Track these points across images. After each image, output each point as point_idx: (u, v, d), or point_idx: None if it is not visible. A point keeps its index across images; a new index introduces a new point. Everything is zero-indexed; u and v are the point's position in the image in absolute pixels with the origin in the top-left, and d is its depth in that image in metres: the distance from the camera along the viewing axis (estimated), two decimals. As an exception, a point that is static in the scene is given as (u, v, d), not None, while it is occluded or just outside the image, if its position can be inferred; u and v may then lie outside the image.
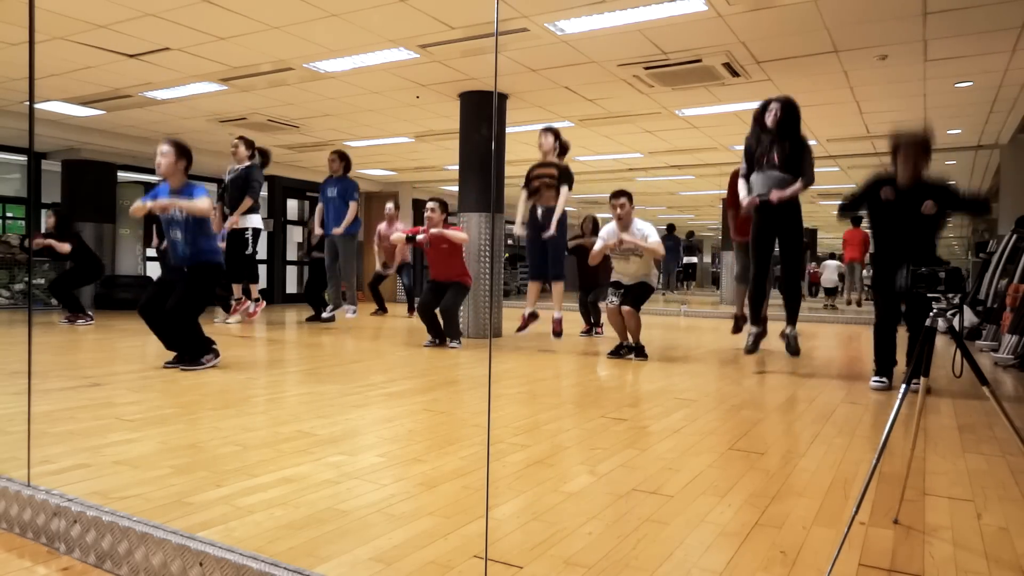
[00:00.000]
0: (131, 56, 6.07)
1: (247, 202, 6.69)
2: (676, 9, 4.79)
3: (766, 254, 4.65)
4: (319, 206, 7.46)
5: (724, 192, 6.21)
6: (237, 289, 7.06)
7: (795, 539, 1.79)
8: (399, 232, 6.90)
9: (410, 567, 1.58)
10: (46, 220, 7.46)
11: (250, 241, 6.63)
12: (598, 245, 5.46)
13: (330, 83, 6.84)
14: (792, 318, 4.65)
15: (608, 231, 5.42)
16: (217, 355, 4.60)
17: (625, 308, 5.31)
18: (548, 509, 1.98)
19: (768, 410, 3.52)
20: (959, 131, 8.58)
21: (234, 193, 6.68)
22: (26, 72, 6.64)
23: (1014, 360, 5.24)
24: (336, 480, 2.20)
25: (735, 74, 6.27)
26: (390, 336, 6.97)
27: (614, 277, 5.57)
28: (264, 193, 12.10)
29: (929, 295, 1.79)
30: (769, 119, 4.56)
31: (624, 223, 5.32)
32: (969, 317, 7.51)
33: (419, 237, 5.96)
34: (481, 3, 4.80)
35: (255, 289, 6.67)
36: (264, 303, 6.76)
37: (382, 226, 8.71)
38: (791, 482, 2.28)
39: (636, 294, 5.38)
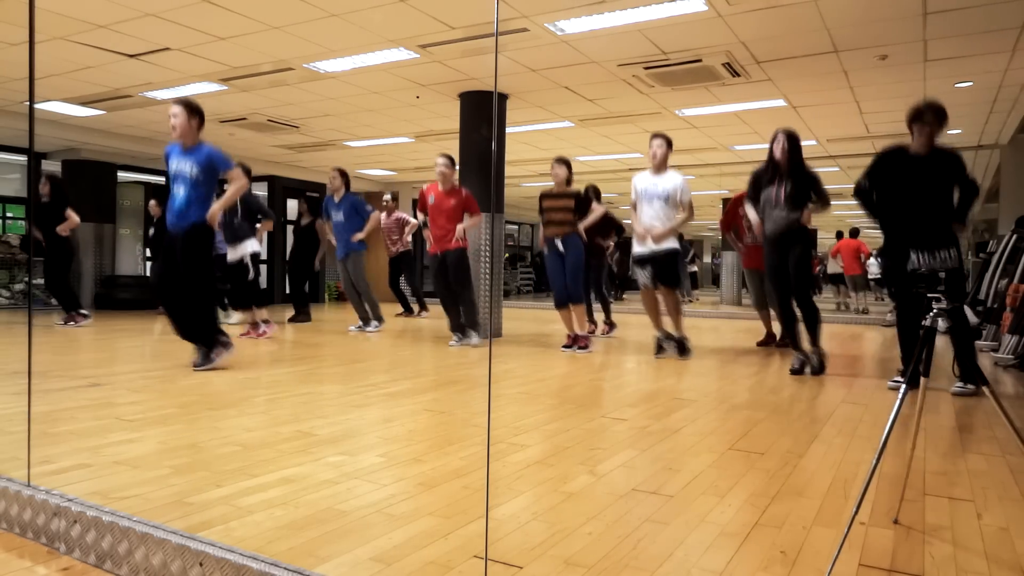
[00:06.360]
0: (131, 56, 6.07)
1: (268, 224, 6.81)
2: (676, 9, 4.80)
3: (784, 286, 4.68)
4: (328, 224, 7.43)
5: (724, 192, 6.21)
6: (244, 315, 6.87)
7: (795, 539, 1.79)
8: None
9: (410, 567, 1.58)
10: (40, 187, 7.15)
11: (250, 267, 6.55)
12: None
13: (330, 83, 6.84)
14: (814, 338, 4.66)
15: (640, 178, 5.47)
16: (228, 346, 4.54)
17: (662, 288, 5.27)
18: (548, 509, 1.98)
19: (768, 410, 3.51)
20: (959, 131, 8.58)
21: (228, 218, 6.52)
22: (26, 72, 6.64)
23: (1014, 360, 5.24)
24: (336, 480, 2.20)
25: (735, 74, 6.27)
26: (391, 336, 6.96)
27: (635, 248, 5.40)
28: (263, 193, 12.16)
29: (929, 295, 1.79)
30: (777, 150, 4.61)
31: (657, 165, 5.41)
32: (969, 317, 7.51)
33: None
34: (481, 3, 4.80)
35: (260, 313, 6.57)
36: (274, 326, 6.70)
37: (380, 216, 8.65)
38: (791, 482, 2.28)
39: (668, 267, 5.29)
